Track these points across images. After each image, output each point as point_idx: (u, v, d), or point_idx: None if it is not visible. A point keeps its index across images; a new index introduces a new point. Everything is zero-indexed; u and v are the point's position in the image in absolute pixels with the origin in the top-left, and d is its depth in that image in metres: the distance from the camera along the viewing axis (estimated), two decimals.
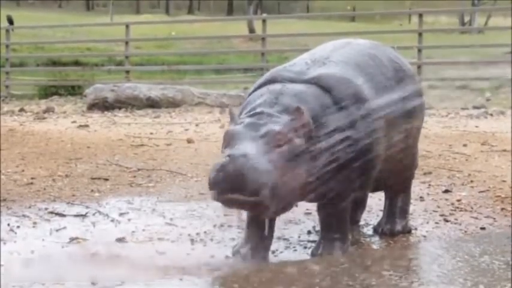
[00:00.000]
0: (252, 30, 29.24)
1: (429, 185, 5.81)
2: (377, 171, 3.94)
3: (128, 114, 12.27)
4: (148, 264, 3.81)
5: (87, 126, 10.22)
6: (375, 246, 4.30)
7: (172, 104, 13.00)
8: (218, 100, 13.02)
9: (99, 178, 6.15)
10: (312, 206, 4.30)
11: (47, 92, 16.06)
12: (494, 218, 4.81)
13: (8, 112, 12.75)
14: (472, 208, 5.08)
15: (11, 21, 23.66)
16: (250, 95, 3.91)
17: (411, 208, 4.69)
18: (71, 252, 4.08)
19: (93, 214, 4.98)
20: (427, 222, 4.73)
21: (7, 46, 17.28)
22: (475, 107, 12.64)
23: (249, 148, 3.45)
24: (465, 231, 4.53)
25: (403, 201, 4.51)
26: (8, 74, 16.92)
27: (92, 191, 5.72)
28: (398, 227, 4.45)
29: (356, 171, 3.78)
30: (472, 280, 3.47)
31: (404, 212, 4.52)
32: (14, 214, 4.93)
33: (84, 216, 4.93)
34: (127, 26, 16.73)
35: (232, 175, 3.36)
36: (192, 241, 4.31)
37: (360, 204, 4.65)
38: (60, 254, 4.05)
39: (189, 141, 8.31)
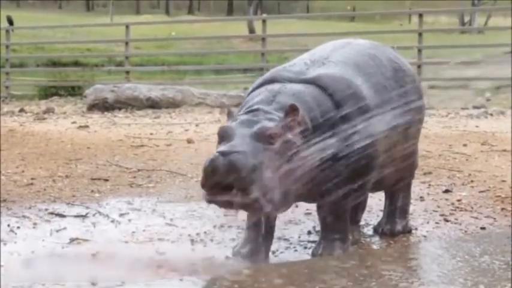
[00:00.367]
0: (252, 30, 29.27)
1: (429, 185, 5.80)
2: (376, 172, 3.94)
3: (128, 114, 12.28)
4: (148, 265, 3.81)
5: (87, 126, 10.22)
6: (375, 247, 4.30)
7: (172, 104, 13.01)
8: (218, 100, 13.03)
9: (99, 179, 6.15)
10: (312, 206, 4.30)
11: (47, 92, 16.07)
12: (495, 218, 4.81)
13: (8, 112, 12.76)
14: (472, 208, 5.07)
15: (11, 22, 23.64)
16: (249, 94, 3.91)
17: (411, 208, 4.69)
18: (71, 253, 4.07)
19: (93, 215, 4.98)
20: (427, 222, 4.73)
21: (7, 46, 17.29)
22: (475, 107, 12.65)
23: (241, 144, 3.43)
24: (465, 231, 4.53)
25: (403, 201, 4.51)
26: (8, 74, 16.93)
27: (92, 191, 5.72)
28: (399, 227, 4.45)
29: (355, 172, 3.78)
30: (472, 280, 3.47)
31: (405, 212, 4.52)
32: (14, 215, 4.93)
33: (84, 216, 4.93)
34: (127, 27, 16.74)
35: (222, 171, 3.32)
36: (192, 241, 4.31)
37: (360, 204, 4.65)
38: (60, 254, 4.05)
39: (189, 141, 8.31)
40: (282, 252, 4.11)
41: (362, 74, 3.94)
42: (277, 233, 4.12)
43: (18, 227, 4.62)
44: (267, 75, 4.00)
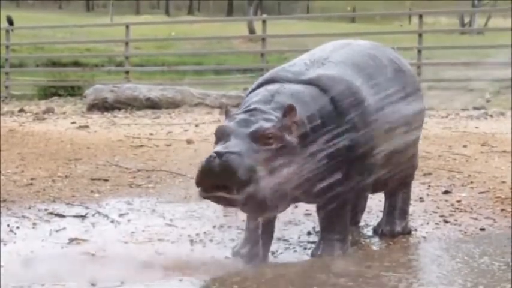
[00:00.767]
0: (252, 30, 29.24)
1: (429, 186, 5.80)
2: (376, 173, 3.94)
3: (127, 114, 12.27)
4: (148, 265, 3.81)
5: (86, 126, 10.22)
6: (374, 247, 4.30)
7: (172, 104, 13.00)
8: (218, 101, 13.03)
9: (98, 179, 6.15)
10: (312, 207, 4.29)
11: (47, 92, 16.06)
12: (494, 219, 4.81)
13: (7, 113, 12.75)
14: (471, 209, 5.07)
15: (10, 22, 23.63)
16: (248, 94, 3.91)
17: (411, 209, 4.69)
18: (70, 253, 4.07)
19: (93, 215, 4.98)
20: (427, 223, 4.73)
21: (7, 47, 17.28)
22: (475, 108, 12.65)
23: (237, 145, 3.43)
24: (465, 232, 4.53)
25: (403, 202, 4.51)
26: (7, 74, 16.92)
27: (92, 191, 5.71)
28: (398, 228, 4.45)
29: (353, 172, 3.78)
30: (472, 281, 3.47)
31: (404, 213, 4.51)
32: (13, 215, 4.92)
33: (83, 217, 4.93)
34: (127, 27, 16.73)
35: (217, 172, 3.34)
36: (192, 242, 4.31)
37: (359, 205, 4.65)
38: (60, 254, 4.05)
39: (189, 141, 8.30)
40: (281, 253, 4.10)
41: (362, 75, 3.94)
42: (276, 233, 4.12)
43: (18, 227, 4.62)
44: (266, 75, 4.00)
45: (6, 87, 16.64)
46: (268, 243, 3.97)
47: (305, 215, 4.78)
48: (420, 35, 14.93)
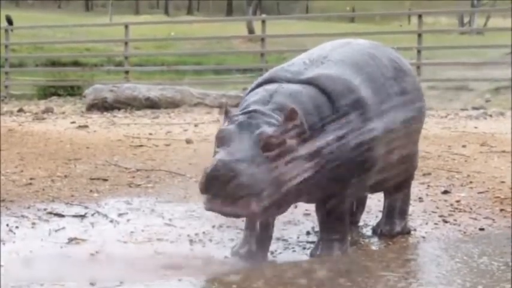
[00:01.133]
0: (251, 30, 29.25)
1: (428, 185, 5.80)
2: (375, 172, 3.94)
3: (127, 114, 12.27)
4: (147, 265, 3.81)
5: (86, 126, 10.21)
6: (373, 247, 4.30)
7: (172, 104, 13.00)
8: (217, 100, 13.02)
9: (98, 178, 6.15)
10: (311, 207, 4.29)
11: (46, 92, 16.05)
12: (493, 219, 4.81)
13: (7, 112, 12.74)
14: (471, 209, 5.07)
15: (10, 22, 23.65)
16: (247, 94, 3.90)
17: (410, 209, 4.69)
18: (69, 253, 4.07)
19: (92, 215, 4.98)
20: (426, 223, 4.73)
21: (6, 46, 17.26)
22: (474, 108, 12.65)
23: (240, 151, 3.44)
24: (464, 232, 4.53)
25: (402, 202, 4.51)
26: (7, 74, 16.91)
27: (91, 191, 5.71)
28: (398, 228, 4.45)
29: (353, 172, 3.78)
30: (471, 281, 3.47)
31: (404, 213, 4.51)
32: (13, 214, 4.92)
33: (83, 216, 4.93)
34: (126, 27, 16.71)
35: (222, 181, 3.34)
36: (191, 242, 4.31)
37: (359, 205, 4.65)
38: (59, 254, 4.05)
39: (188, 141, 8.30)
40: (280, 253, 4.10)
41: (361, 74, 3.93)
42: (275, 233, 4.12)
43: (17, 227, 4.62)
44: (265, 75, 4.00)
45: (6, 87, 16.62)
46: (267, 243, 3.97)
47: (304, 215, 4.78)
48: (419, 35, 14.92)
